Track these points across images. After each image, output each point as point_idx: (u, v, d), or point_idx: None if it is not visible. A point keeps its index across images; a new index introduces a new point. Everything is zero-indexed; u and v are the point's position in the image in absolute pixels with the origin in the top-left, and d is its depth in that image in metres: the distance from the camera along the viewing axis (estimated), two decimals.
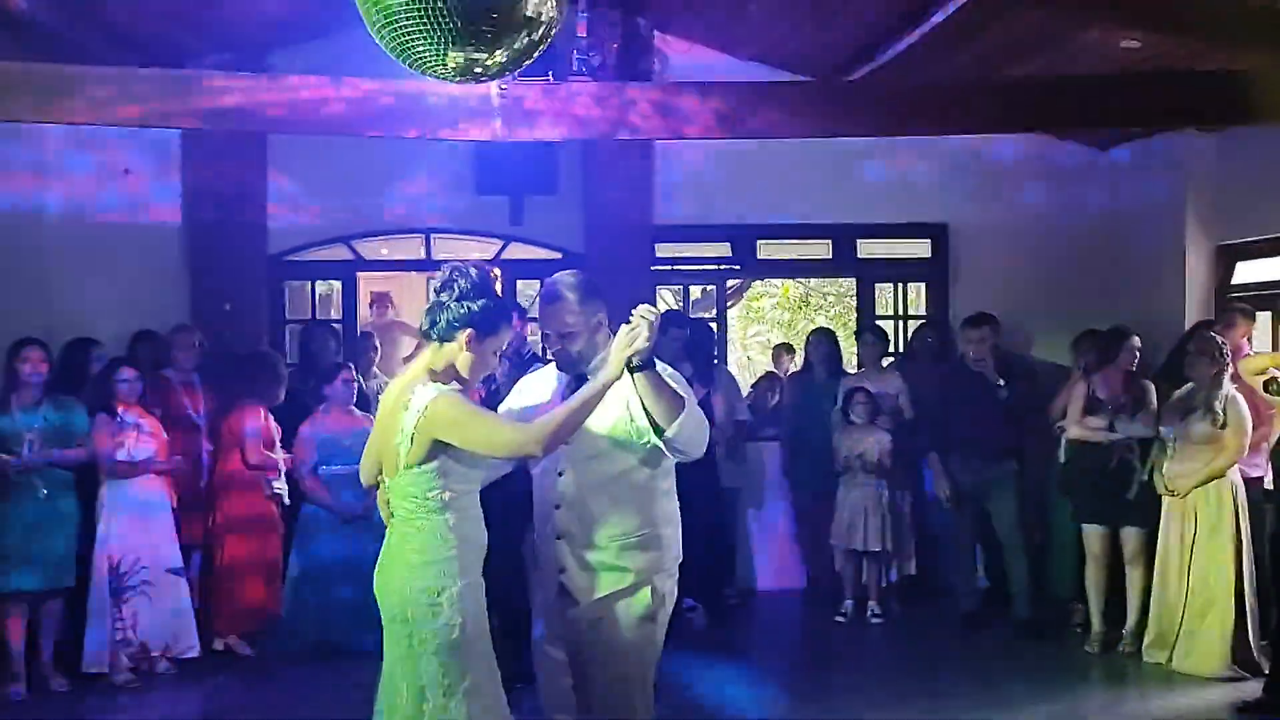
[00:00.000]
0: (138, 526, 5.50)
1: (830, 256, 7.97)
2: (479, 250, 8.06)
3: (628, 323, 2.93)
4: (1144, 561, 5.80)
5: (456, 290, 3.05)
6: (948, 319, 7.62)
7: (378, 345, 7.32)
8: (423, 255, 7.91)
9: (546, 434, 2.90)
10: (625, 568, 3.14)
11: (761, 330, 14.97)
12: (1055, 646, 6.04)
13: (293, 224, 7.25)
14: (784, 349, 9.39)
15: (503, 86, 4.12)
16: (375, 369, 7.09)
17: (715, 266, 8.18)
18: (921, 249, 7.89)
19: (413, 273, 9.90)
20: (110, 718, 5.18)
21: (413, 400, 2.95)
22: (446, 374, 3.04)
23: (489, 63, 2.89)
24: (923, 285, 8.14)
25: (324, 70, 4.44)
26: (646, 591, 3.16)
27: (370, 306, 8.72)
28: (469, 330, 3.02)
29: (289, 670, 5.68)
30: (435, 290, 3.14)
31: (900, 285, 8.26)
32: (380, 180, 7.17)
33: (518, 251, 7.81)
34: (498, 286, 3.17)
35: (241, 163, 7.05)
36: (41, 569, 5.28)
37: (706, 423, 3.06)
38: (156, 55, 5.96)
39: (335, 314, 8.19)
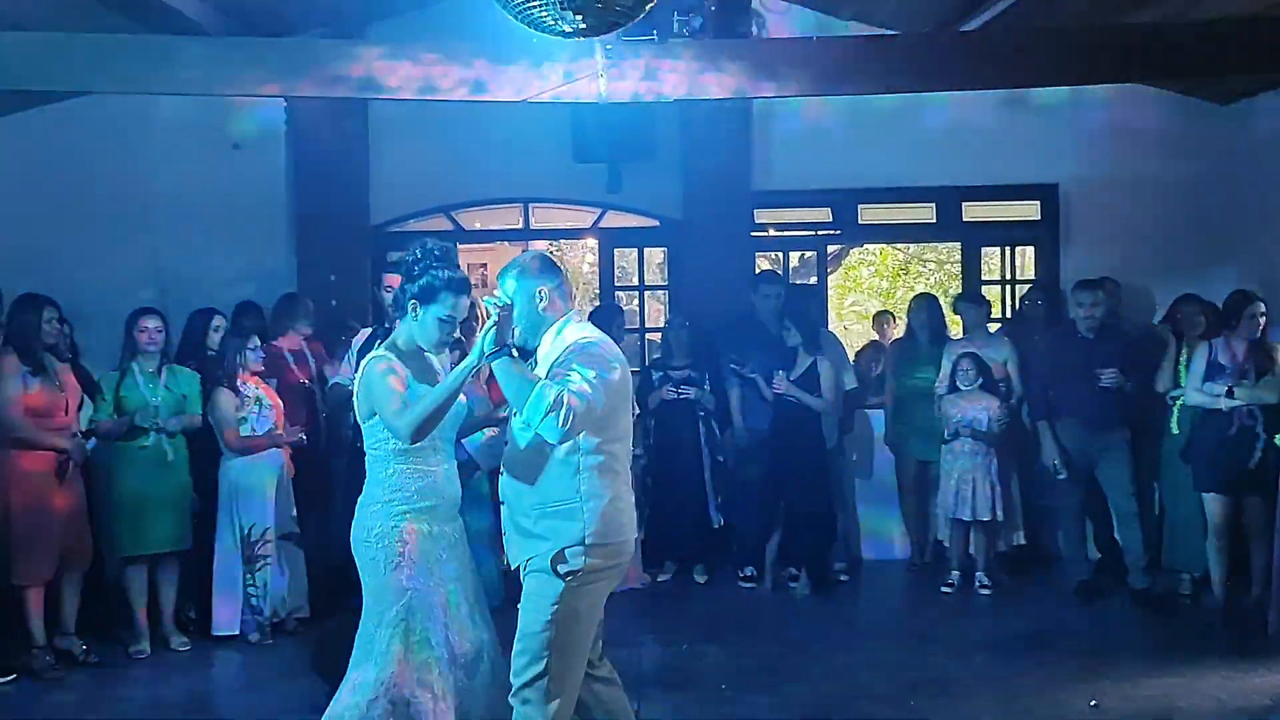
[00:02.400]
0: (260, 496, 5.63)
1: (934, 220, 7.77)
2: (576, 219, 8.09)
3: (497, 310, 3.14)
4: (1267, 532, 5.56)
5: (404, 268, 3.41)
6: (1058, 283, 7.38)
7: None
8: (520, 225, 7.96)
9: (411, 422, 3.20)
10: (542, 536, 3.22)
11: (860, 299, 14.75)
12: (1171, 618, 5.84)
13: (394, 195, 7.34)
14: (886, 316, 9.21)
15: (607, 47, 4.08)
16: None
17: (815, 233, 8.05)
18: (1030, 210, 7.64)
19: (506, 244, 10.05)
20: (234, 675, 5.35)
21: (363, 363, 3.39)
22: (409, 346, 3.41)
23: (598, 20, 2.89)
24: (1031, 248, 7.90)
25: (421, 41, 4.46)
26: (560, 556, 3.20)
27: None
28: (414, 301, 3.36)
29: None
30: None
31: (1008, 248, 8.01)
32: (480, 150, 7.20)
33: (615, 220, 7.80)
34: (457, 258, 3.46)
35: (345, 135, 7.16)
36: (161, 532, 5.45)
37: (565, 413, 3.03)
38: (261, 27, 6.07)
39: None
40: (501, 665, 3.39)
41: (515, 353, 3.16)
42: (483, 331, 3.14)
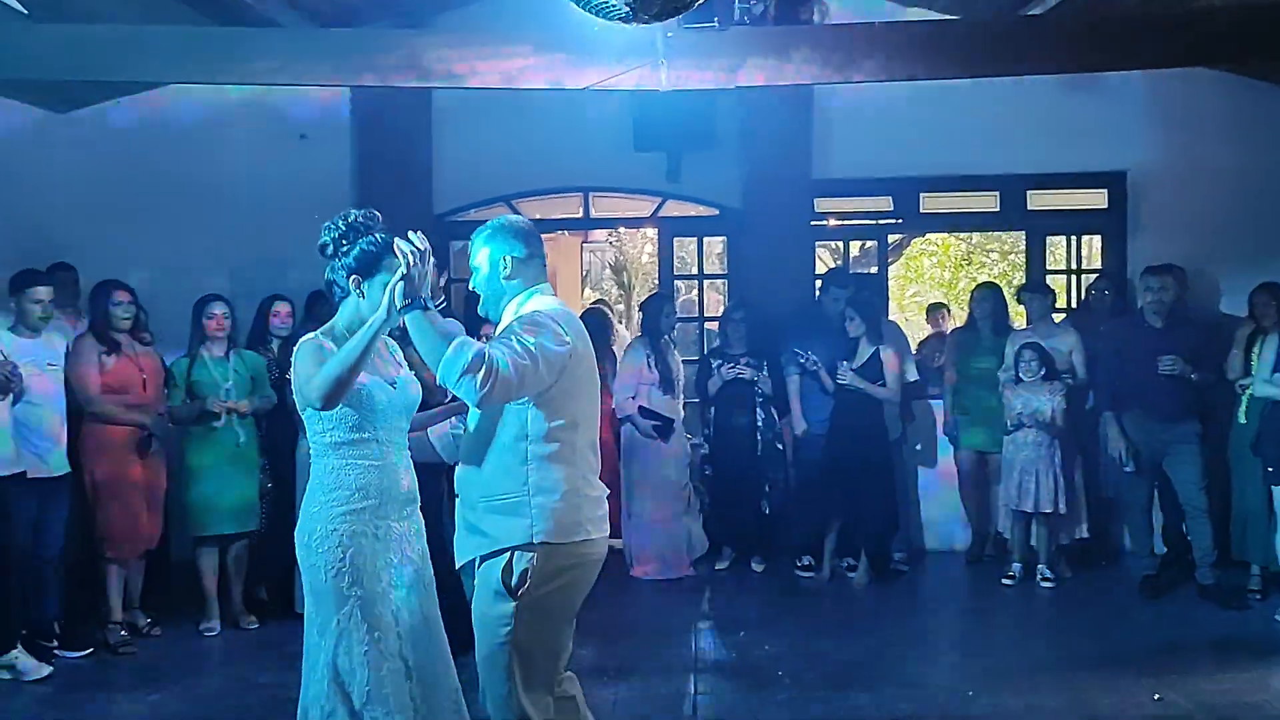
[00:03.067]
0: None
1: (998, 209, 7.67)
2: (635, 208, 8.12)
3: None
4: None
5: (331, 247, 3.09)
6: (1125, 272, 7.25)
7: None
8: (580, 214, 8.01)
9: (320, 383, 2.87)
10: (486, 532, 2.93)
11: (922, 290, 14.61)
12: (1239, 613, 5.73)
13: (456, 184, 7.42)
14: (941, 309, 9.10)
15: (668, 34, 4.10)
16: None
17: (875, 222, 7.99)
18: (1097, 199, 7.51)
19: (566, 233, 10.12)
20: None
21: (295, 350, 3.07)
22: (352, 328, 3.03)
23: (660, 7, 2.90)
24: (1098, 237, 7.77)
25: (486, 30, 4.51)
26: (503, 561, 2.90)
27: None
28: (354, 277, 3.05)
29: None
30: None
31: (1074, 238, 7.89)
32: (540, 140, 7.25)
33: (675, 209, 7.82)
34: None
35: (408, 125, 7.25)
36: (232, 513, 5.60)
37: (485, 373, 2.70)
38: (330, 19, 6.17)
39: None
40: (455, 679, 3.16)
41: (429, 306, 2.84)
42: (390, 284, 2.84)
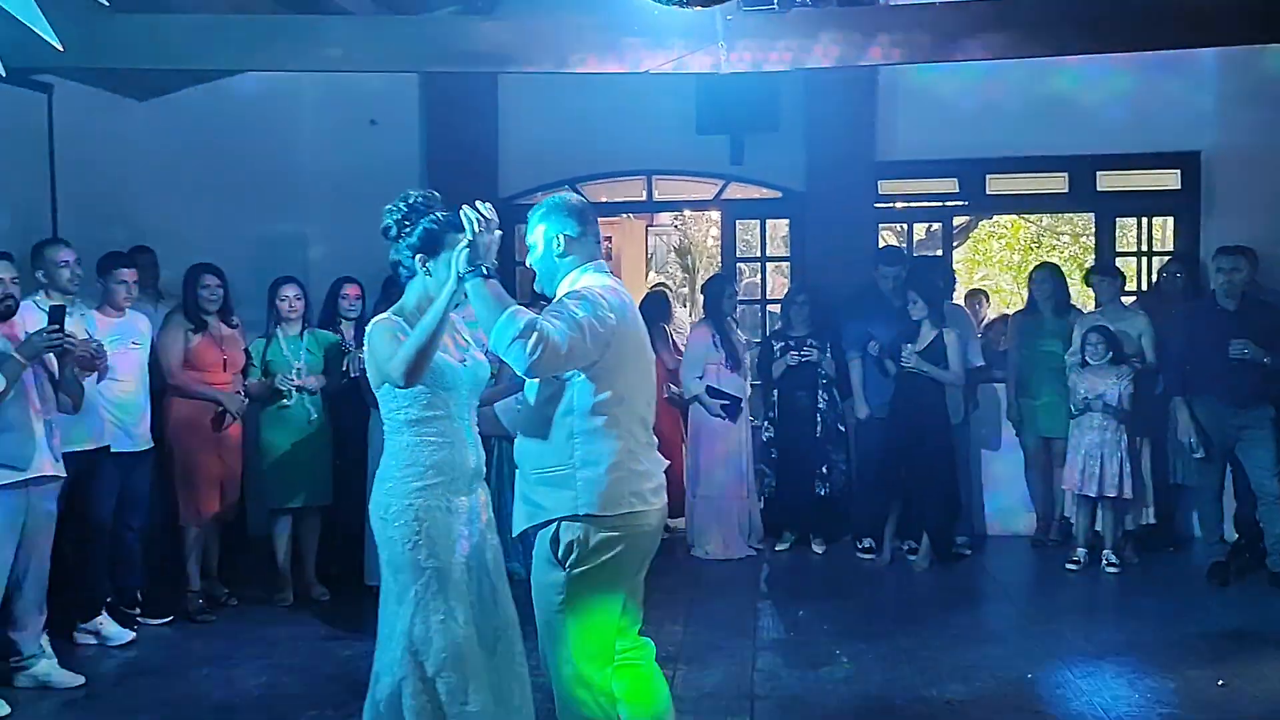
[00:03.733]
0: None
1: (1067, 190, 7.55)
2: (699, 191, 8.15)
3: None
4: None
5: (393, 230, 3.16)
6: (1198, 255, 7.11)
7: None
8: (644, 197, 8.06)
9: (401, 360, 2.93)
10: (538, 503, 3.01)
11: (991, 273, 14.42)
12: None
13: (522, 168, 7.51)
14: (979, 295, 8.92)
15: (728, 17, 4.13)
16: None
17: (941, 204, 7.93)
18: (1169, 180, 7.37)
19: (631, 216, 10.18)
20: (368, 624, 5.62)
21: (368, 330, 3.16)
22: (422, 307, 3.09)
23: None
24: (1170, 219, 7.62)
25: (549, 16, 4.57)
26: (552, 531, 2.98)
27: None
28: (420, 256, 3.11)
29: None
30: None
31: (1145, 219, 7.74)
32: (604, 123, 7.31)
33: (738, 191, 7.84)
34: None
35: (475, 109, 7.37)
36: (305, 488, 5.78)
37: (534, 341, 2.74)
38: (399, 6, 6.29)
39: None
40: (521, 646, 3.25)
41: (487, 273, 2.88)
42: (456, 251, 2.92)
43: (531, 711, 3.27)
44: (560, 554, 2.96)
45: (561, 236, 3.08)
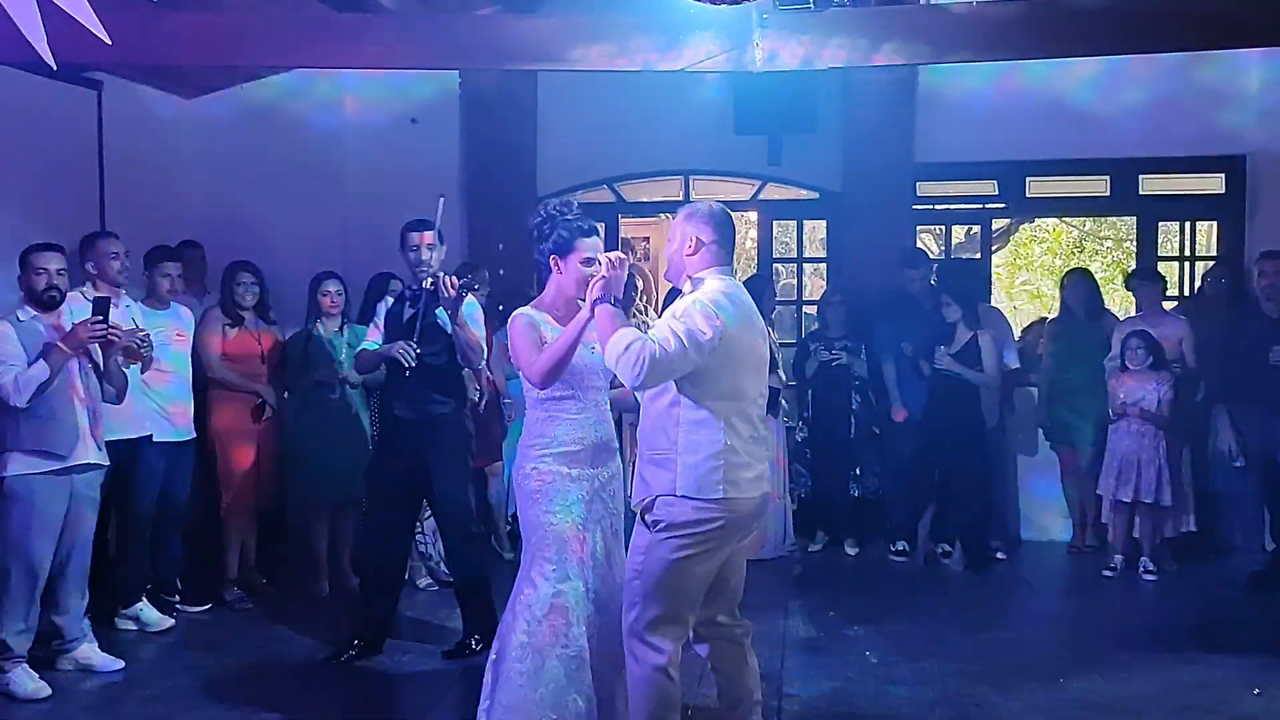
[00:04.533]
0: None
1: (1108, 193, 7.49)
2: (735, 192, 8.15)
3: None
4: None
5: (535, 233, 3.64)
6: (1242, 260, 7.01)
7: (638, 285, 7.57)
8: (681, 197, 8.07)
9: (538, 369, 3.47)
10: (646, 480, 3.31)
11: (1032, 278, 14.26)
12: None
13: (560, 167, 7.55)
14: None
15: (764, 16, 4.14)
16: (636, 307, 7.33)
17: (980, 206, 7.88)
18: (1213, 184, 7.28)
19: (668, 216, 10.17)
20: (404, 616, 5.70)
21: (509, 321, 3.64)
22: (557, 301, 3.61)
23: None
24: (1214, 223, 7.53)
25: (589, 14, 4.60)
26: (650, 503, 3.28)
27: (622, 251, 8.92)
28: (553, 257, 3.57)
29: None
30: None
31: (1188, 224, 7.65)
32: (642, 123, 7.34)
33: (775, 192, 7.83)
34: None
35: (514, 108, 7.42)
36: (342, 481, 5.84)
37: (638, 360, 3.08)
38: (440, 5, 6.35)
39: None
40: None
41: (614, 303, 3.28)
42: (592, 283, 3.32)
43: None
44: (649, 522, 3.28)
45: (695, 237, 3.35)
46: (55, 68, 2.40)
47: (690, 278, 3.38)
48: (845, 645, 5.07)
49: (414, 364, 4.59)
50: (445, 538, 5.08)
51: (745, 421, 3.31)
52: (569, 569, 3.52)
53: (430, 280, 4.66)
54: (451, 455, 4.80)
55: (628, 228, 8.96)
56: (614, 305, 3.28)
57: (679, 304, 3.29)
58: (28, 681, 4.34)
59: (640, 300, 7.37)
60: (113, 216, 6.29)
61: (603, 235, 8.30)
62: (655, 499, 3.27)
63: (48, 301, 4.46)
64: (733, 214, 3.52)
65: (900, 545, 6.65)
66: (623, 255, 3.40)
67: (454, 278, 4.52)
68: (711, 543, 3.27)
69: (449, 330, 4.61)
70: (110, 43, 2.33)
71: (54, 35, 2.16)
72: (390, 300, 5.08)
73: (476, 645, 4.73)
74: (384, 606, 4.88)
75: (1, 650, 4.35)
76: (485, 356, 4.83)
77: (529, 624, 3.49)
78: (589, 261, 3.51)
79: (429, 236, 4.72)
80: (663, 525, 3.24)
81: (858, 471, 6.73)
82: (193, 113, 7.35)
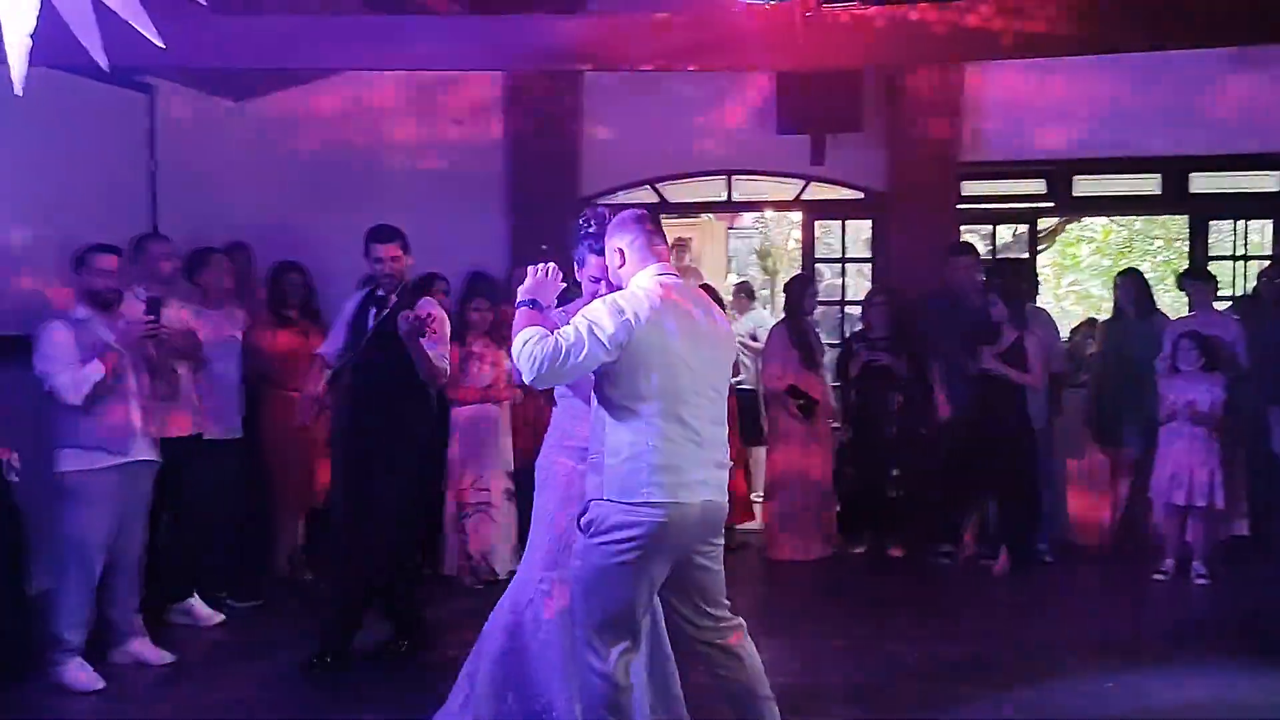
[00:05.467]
0: (478, 448, 6.03)
1: (1159, 192, 7.37)
2: (778, 191, 8.12)
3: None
4: None
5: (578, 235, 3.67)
6: None
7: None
8: (723, 197, 8.06)
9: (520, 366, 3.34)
10: (585, 485, 3.28)
11: (1080, 279, 14.07)
12: None
13: (603, 167, 7.56)
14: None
15: (808, 13, 4.12)
16: None
17: (1026, 205, 7.79)
18: (1268, 182, 7.15)
19: (710, 217, 10.17)
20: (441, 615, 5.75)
21: None
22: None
23: None
24: (1269, 222, 7.38)
25: (628, 15, 4.60)
26: (584, 507, 3.22)
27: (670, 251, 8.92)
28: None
29: None
30: None
31: (1241, 222, 7.51)
32: (684, 123, 7.34)
33: (818, 191, 7.79)
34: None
35: (558, 109, 7.43)
36: None
37: (533, 353, 3.05)
38: (483, 6, 6.39)
39: None
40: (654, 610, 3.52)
41: (535, 307, 3.26)
42: (521, 286, 3.33)
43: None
44: (581, 525, 3.21)
45: (619, 249, 3.31)
46: (109, 71, 2.45)
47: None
48: (888, 648, 5.02)
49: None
50: (361, 534, 4.71)
51: (676, 423, 3.15)
52: (561, 559, 3.57)
53: (395, 293, 4.59)
54: (394, 464, 4.66)
55: (670, 228, 8.93)
56: (534, 308, 3.26)
57: (593, 303, 3.21)
58: (82, 674, 4.43)
59: None
60: (163, 218, 6.40)
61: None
62: (589, 503, 3.20)
63: (105, 302, 4.54)
64: (778, 214, 3.50)
65: (945, 548, 6.58)
66: (557, 268, 3.40)
67: (411, 313, 4.41)
68: (642, 549, 3.11)
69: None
70: (164, 46, 2.37)
71: (107, 39, 2.21)
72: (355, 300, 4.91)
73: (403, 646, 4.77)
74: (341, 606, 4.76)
75: (56, 643, 4.44)
76: (447, 375, 4.69)
77: (510, 605, 3.65)
78: (596, 280, 3.56)
79: (393, 248, 4.62)
80: (592, 530, 3.16)
81: (896, 474, 6.68)
82: (241, 116, 7.46)
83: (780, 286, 13.59)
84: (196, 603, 5.34)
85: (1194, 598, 5.96)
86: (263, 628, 5.35)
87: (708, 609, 3.34)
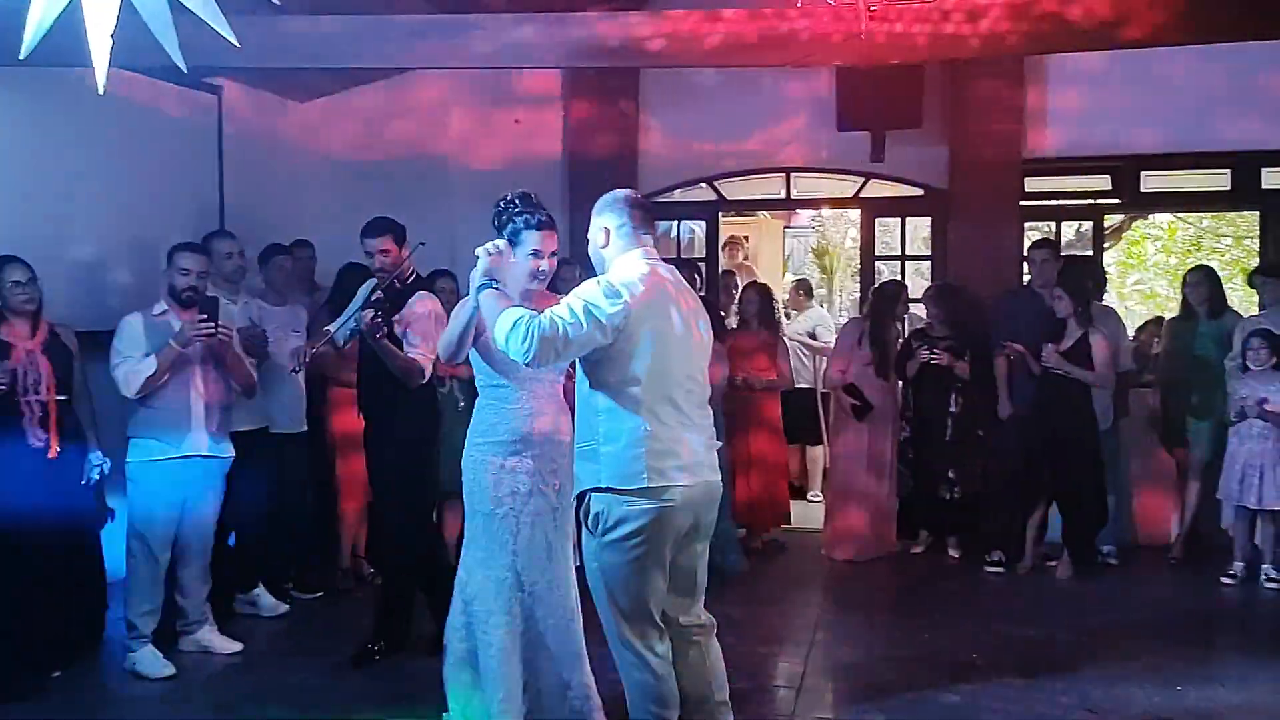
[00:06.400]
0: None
1: (1229, 188, 7.21)
2: (837, 188, 8.08)
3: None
4: None
5: (493, 221, 3.68)
6: None
7: (737, 284, 7.59)
8: (782, 195, 8.03)
9: (440, 348, 3.73)
10: (578, 476, 3.24)
11: (1145, 278, 13.80)
12: None
13: (661, 165, 7.59)
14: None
15: (871, 9, 4.10)
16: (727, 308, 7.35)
17: (1091, 202, 7.66)
18: None
19: (767, 215, 10.14)
20: None
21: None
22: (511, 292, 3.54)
23: None
24: None
25: (688, 10, 4.61)
26: (586, 502, 3.19)
27: (722, 249, 8.83)
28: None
29: None
30: None
31: None
32: (743, 119, 7.32)
33: (877, 189, 7.74)
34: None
35: (617, 106, 7.47)
36: (450, 473, 5.90)
37: (526, 333, 2.98)
38: (546, 4, 6.43)
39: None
40: (564, 619, 3.64)
41: (495, 286, 3.25)
42: (473, 271, 3.33)
43: (571, 659, 3.64)
44: (589, 523, 3.19)
45: (605, 228, 3.31)
46: (185, 71, 2.52)
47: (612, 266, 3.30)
48: (950, 647, 4.97)
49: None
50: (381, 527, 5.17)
51: (670, 406, 3.17)
52: (498, 559, 3.62)
53: (384, 288, 4.55)
54: (382, 457, 4.75)
55: (728, 225, 8.94)
56: (495, 288, 3.26)
57: (584, 283, 3.19)
58: (154, 661, 4.55)
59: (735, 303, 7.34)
60: (231, 215, 6.54)
61: (703, 233, 8.39)
62: (588, 495, 3.18)
63: (184, 300, 4.65)
64: (835, 211, 3.48)
65: (996, 556, 6.43)
66: (502, 245, 3.42)
67: (369, 312, 4.37)
68: (652, 539, 3.14)
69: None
70: (239, 46, 2.43)
71: (181, 42, 2.27)
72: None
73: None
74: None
75: (129, 629, 4.57)
76: (425, 374, 4.56)
77: (461, 603, 3.69)
78: (536, 254, 3.53)
79: (384, 241, 4.64)
80: (599, 528, 3.15)
81: (951, 475, 6.60)
82: (307, 116, 7.59)
83: (838, 285, 13.58)
84: (262, 593, 5.45)
85: (1264, 601, 5.83)
86: (326, 619, 5.45)
87: (688, 600, 3.36)
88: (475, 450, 3.68)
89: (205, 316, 4.53)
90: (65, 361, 4.51)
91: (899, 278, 8.52)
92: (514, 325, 3.02)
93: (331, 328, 4.74)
